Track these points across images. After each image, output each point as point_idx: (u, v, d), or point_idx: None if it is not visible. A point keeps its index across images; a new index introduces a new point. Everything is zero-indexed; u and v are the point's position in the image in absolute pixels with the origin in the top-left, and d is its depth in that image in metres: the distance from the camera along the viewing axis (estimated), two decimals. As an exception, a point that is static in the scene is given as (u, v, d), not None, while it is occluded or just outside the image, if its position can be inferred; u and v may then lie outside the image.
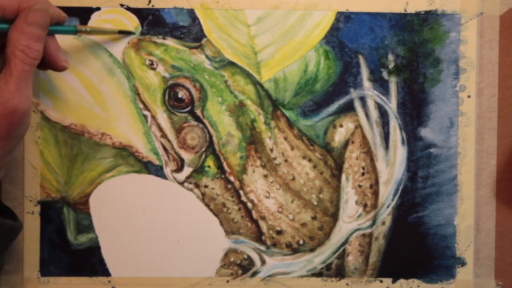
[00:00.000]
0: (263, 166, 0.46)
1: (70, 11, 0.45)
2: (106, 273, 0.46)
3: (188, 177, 0.46)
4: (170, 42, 0.45)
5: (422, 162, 0.46)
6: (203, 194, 0.46)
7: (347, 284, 0.46)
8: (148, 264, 0.46)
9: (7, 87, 0.35)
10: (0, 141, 0.36)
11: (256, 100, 0.46)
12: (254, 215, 0.46)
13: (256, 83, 0.46)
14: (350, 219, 0.46)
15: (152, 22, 0.45)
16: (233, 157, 0.46)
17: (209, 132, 0.46)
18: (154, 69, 0.45)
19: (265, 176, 0.46)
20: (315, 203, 0.46)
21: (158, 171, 0.46)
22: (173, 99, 0.45)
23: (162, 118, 0.45)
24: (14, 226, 0.41)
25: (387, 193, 0.46)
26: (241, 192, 0.46)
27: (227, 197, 0.46)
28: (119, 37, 0.45)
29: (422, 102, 0.46)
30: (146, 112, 0.45)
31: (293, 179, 0.46)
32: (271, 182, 0.46)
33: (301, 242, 0.46)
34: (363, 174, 0.46)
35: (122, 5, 0.45)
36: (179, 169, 0.46)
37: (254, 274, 0.46)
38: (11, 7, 0.36)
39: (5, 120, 0.35)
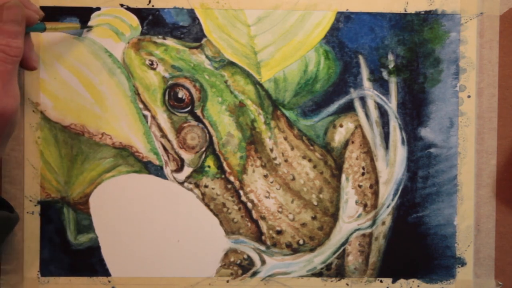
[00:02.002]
0: (263, 166, 0.46)
1: (70, 11, 0.45)
2: (106, 273, 0.46)
3: (188, 177, 0.46)
4: (170, 42, 0.45)
5: (422, 162, 0.46)
6: (203, 194, 0.46)
7: (347, 284, 0.46)
8: (148, 264, 0.46)
9: None
10: None
11: (256, 100, 0.46)
12: (254, 215, 0.46)
13: (256, 83, 0.46)
14: (350, 219, 0.46)
15: (152, 22, 0.45)
16: (233, 157, 0.46)
17: (209, 132, 0.46)
18: (154, 69, 0.45)
19: (265, 176, 0.46)
20: (315, 203, 0.46)
21: (158, 171, 0.46)
22: (173, 99, 0.45)
23: (162, 118, 0.45)
24: (11, 217, 0.41)
25: (387, 193, 0.46)
26: (241, 192, 0.46)
27: (227, 197, 0.46)
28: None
29: (422, 102, 0.46)
30: (146, 112, 0.45)
31: (293, 179, 0.46)
32: (271, 182, 0.46)
33: (301, 242, 0.46)
34: (363, 174, 0.46)
35: (122, 5, 0.45)
36: (179, 169, 0.46)
37: (254, 274, 0.46)
38: None
39: None
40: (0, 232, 0.40)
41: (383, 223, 0.46)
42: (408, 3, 0.46)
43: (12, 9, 0.36)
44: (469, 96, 0.46)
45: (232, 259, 0.46)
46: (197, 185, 0.46)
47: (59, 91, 0.45)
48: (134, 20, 0.45)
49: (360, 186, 0.46)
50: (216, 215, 0.46)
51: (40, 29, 0.41)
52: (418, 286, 0.47)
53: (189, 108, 0.45)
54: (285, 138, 0.46)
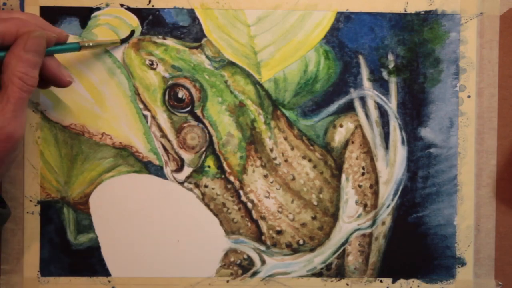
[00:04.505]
0: (263, 166, 0.46)
1: (70, 11, 0.45)
2: (106, 273, 0.46)
3: (188, 177, 0.46)
4: (170, 42, 0.45)
5: (422, 162, 0.46)
6: (203, 194, 0.46)
7: (347, 284, 0.46)
8: (148, 264, 0.46)
9: (3, 114, 0.35)
10: None
11: (256, 100, 0.46)
12: (254, 215, 0.46)
13: (256, 83, 0.46)
14: (350, 219, 0.46)
15: (152, 22, 0.45)
16: (233, 157, 0.46)
17: (209, 132, 0.46)
18: (154, 69, 0.45)
19: (265, 176, 0.46)
20: (315, 203, 0.46)
21: (158, 171, 0.46)
22: (173, 99, 0.45)
23: (162, 118, 0.45)
24: (2, 212, 0.40)
25: (387, 193, 0.46)
26: (241, 192, 0.46)
27: (227, 197, 0.46)
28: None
29: (422, 102, 0.46)
30: (146, 112, 0.45)
31: (293, 179, 0.46)
32: (271, 182, 0.46)
33: (301, 242, 0.46)
34: (363, 174, 0.46)
35: (122, 5, 0.45)
36: (179, 169, 0.46)
37: (254, 274, 0.46)
38: (10, 33, 0.36)
39: None
40: None
41: (383, 223, 0.46)
42: (408, 3, 0.46)
43: (36, 39, 0.36)
44: (469, 96, 0.46)
45: (232, 259, 0.46)
46: (197, 185, 0.46)
47: (59, 91, 0.45)
48: (134, 20, 0.45)
49: (360, 186, 0.46)
50: (216, 215, 0.46)
51: (75, 49, 0.41)
52: (418, 286, 0.47)
53: (189, 108, 0.45)
54: (285, 138, 0.46)
